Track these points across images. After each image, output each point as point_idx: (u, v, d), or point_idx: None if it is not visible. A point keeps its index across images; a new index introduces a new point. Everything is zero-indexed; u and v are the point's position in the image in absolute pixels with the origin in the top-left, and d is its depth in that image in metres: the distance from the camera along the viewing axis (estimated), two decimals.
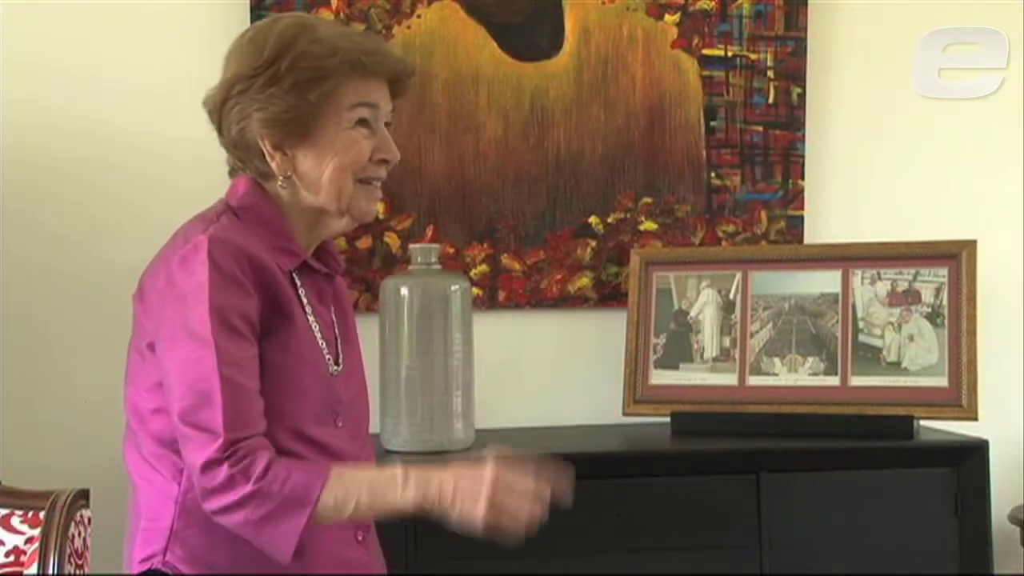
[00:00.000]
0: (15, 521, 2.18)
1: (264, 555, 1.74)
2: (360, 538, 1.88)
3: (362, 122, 1.83)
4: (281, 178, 1.81)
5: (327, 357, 1.86)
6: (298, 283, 1.84)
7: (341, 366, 1.89)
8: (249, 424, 1.69)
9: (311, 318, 1.84)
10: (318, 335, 1.85)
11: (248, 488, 1.65)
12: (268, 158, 1.80)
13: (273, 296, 1.76)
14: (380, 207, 2.76)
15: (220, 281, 1.70)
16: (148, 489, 1.80)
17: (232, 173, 1.89)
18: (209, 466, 1.66)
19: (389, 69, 1.85)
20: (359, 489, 1.69)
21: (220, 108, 1.82)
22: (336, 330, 1.92)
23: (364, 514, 1.72)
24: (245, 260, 1.73)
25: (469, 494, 1.70)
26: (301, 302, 1.84)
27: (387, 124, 1.88)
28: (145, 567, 1.78)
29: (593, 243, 2.92)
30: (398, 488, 1.69)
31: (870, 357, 2.72)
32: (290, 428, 1.77)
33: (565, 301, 2.92)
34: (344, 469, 1.71)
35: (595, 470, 2.56)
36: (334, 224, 1.88)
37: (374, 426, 2.58)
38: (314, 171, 1.81)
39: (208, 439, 1.66)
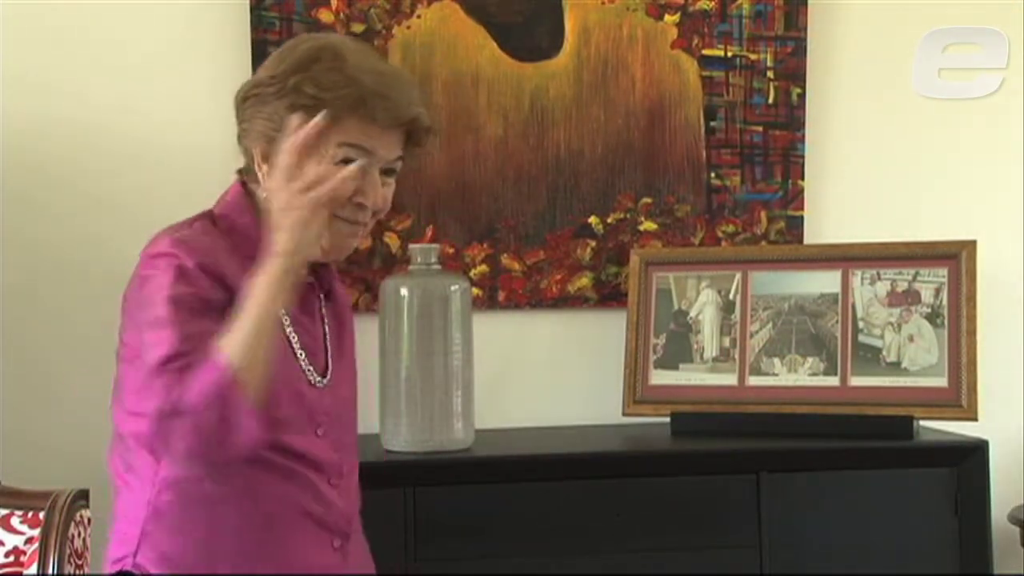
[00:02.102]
0: (15, 521, 2.18)
1: (233, 555, 1.75)
2: (336, 545, 1.87)
3: (347, 161, 1.79)
4: (264, 190, 1.81)
5: (307, 369, 1.85)
6: None
7: (328, 379, 1.88)
8: (197, 345, 1.65)
9: (288, 329, 1.83)
10: (296, 346, 1.84)
11: (171, 402, 1.61)
12: (256, 167, 1.81)
13: (239, 302, 1.75)
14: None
15: (181, 274, 1.70)
16: (125, 491, 1.81)
17: (239, 172, 1.89)
18: (149, 379, 1.63)
19: (394, 118, 1.81)
20: (246, 319, 1.66)
21: (236, 109, 1.84)
22: (326, 342, 1.91)
23: (268, 321, 1.67)
24: (211, 262, 1.73)
25: (294, 206, 1.69)
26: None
27: (391, 172, 1.85)
28: (117, 568, 1.79)
29: (593, 243, 2.92)
30: (264, 278, 1.67)
31: (870, 357, 2.72)
32: (277, 433, 1.75)
33: (565, 301, 2.92)
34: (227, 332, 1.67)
35: (595, 470, 2.57)
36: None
37: (374, 426, 2.59)
38: None
39: (156, 367, 1.63)
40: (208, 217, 1.83)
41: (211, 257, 1.73)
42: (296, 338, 1.84)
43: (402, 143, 1.85)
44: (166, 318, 1.67)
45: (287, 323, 1.83)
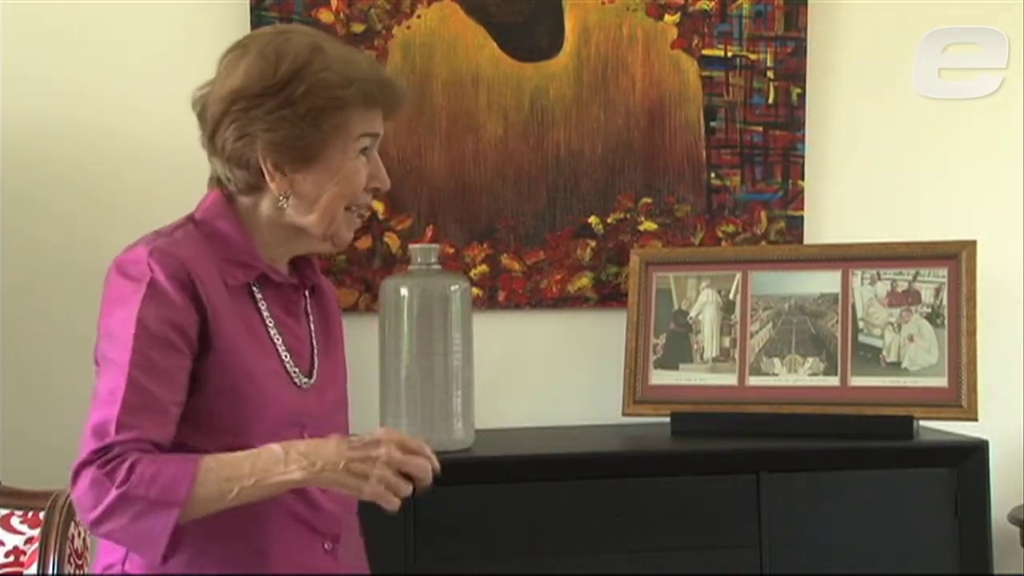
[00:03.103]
0: (15, 521, 2.18)
1: (221, 558, 1.75)
2: (328, 547, 1.86)
3: (363, 151, 1.82)
4: (280, 197, 1.81)
5: (293, 371, 1.84)
6: (258, 296, 1.83)
7: (314, 378, 1.88)
8: (137, 428, 1.66)
9: (273, 331, 1.83)
10: (281, 348, 1.84)
11: (113, 494, 1.62)
12: (268, 178, 1.79)
13: (216, 311, 1.74)
14: (380, 207, 2.79)
15: (153, 291, 1.70)
16: None
17: (212, 183, 1.88)
18: (78, 471, 1.65)
19: (395, 101, 1.84)
20: (238, 475, 1.66)
21: (218, 120, 1.80)
22: (313, 341, 1.91)
23: (248, 497, 1.69)
24: (185, 274, 1.72)
25: (358, 472, 1.69)
26: (261, 315, 1.83)
27: None
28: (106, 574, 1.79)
29: (593, 243, 2.92)
30: (280, 466, 1.68)
31: (870, 357, 2.72)
32: (242, 442, 1.74)
33: (565, 301, 2.92)
34: (217, 458, 1.68)
35: (595, 470, 2.57)
36: (314, 245, 1.87)
37: (374, 427, 2.59)
38: (311, 195, 1.80)
39: (91, 442, 1.65)
40: (190, 222, 1.82)
41: (185, 269, 1.72)
42: (281, 340, 1.84)
43: None
44: (126, 349, 1.67)
45: (271, 325, 1.83)
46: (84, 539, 2.22)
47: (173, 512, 1.63)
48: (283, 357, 1.83)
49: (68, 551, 2.15)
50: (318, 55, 1.78)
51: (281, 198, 1.80)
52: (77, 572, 2.18)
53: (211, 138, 1.82)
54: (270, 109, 1.76)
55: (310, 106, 1.76)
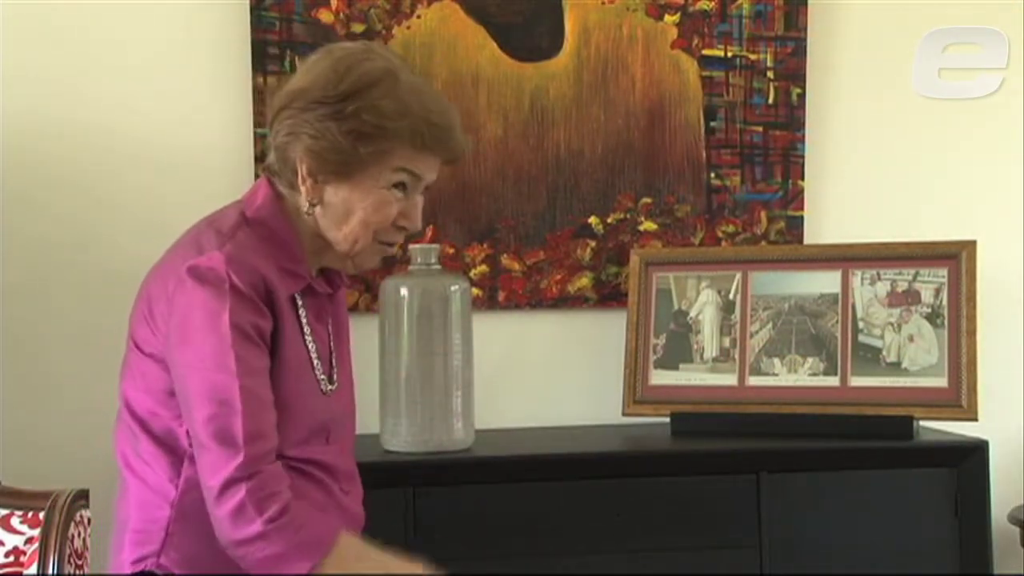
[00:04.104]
0: (15, 521, 2.18)
1: None
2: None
3: (399, 185, 1.83)
4: (308, 204, 1.82)
5: (322, 377, 1.85)
6: (299, 303, 1.84)
7: (335, 384, 1.89)
8: (265, 437, 1.69)
9: (309, 339, 1.84)
10: (314, 355, 1.85)
11: (257, 527, 1.65)
12: (300, 180, 1.80)
13: (281, 321, 1.77)
14: None
15: (238, 297, 1.72)
16: (141, 488, 1.80)
17: (266, 170, 1.89)
18: (227, 487, 1.66)
19: (448, 148, 1.85)
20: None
21: (277, 111, 1.83)
22: (331, 346, 1.92)
23: None
24: (262, 283, 1.74)
25: None
26: (300, 323, 1.83)
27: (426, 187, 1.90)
28: (138, 568, 1.79)
29: (593, 243, 2.92)
30: None
31: (870, 357, 2.72)
32: (282, 449, 1.76)
33: (565, 301, 2.92)
34: (350, 540, 1.73)
35: (595, 470, 2.57)
36: (337, 261, 1.89)
37: (374, 426, 2.60)
38: (339, 210, 1.82)
39: (228, 455, 1.66)
40: (244, 221, 1.82)
41: (259, 275, 1.75)
42: (314, 348, 1.85)
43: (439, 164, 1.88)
44: (227, 355, 1.69)
45: (307, 332, 1.84)
46: (84, 539, 2.22)
47: (305, 565, 1.67)
48: (315, 364, 1.85)
49: (68, 551, 2.15)
50: (387, 81, 1.79)
51: (308, 205, 1.81)
52: (77, 572, 2.18)
53: (270, 125, 1.85)
54: (320, 116, 1.78)
55: (354, 127, 1.77)
